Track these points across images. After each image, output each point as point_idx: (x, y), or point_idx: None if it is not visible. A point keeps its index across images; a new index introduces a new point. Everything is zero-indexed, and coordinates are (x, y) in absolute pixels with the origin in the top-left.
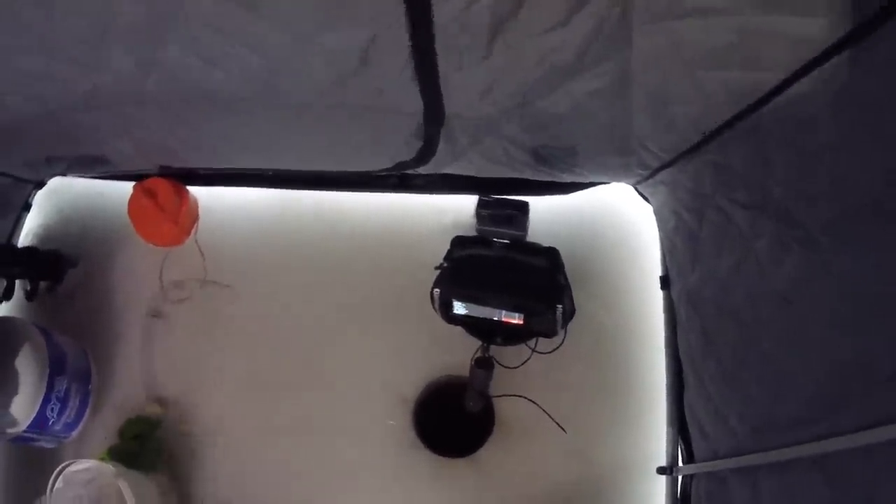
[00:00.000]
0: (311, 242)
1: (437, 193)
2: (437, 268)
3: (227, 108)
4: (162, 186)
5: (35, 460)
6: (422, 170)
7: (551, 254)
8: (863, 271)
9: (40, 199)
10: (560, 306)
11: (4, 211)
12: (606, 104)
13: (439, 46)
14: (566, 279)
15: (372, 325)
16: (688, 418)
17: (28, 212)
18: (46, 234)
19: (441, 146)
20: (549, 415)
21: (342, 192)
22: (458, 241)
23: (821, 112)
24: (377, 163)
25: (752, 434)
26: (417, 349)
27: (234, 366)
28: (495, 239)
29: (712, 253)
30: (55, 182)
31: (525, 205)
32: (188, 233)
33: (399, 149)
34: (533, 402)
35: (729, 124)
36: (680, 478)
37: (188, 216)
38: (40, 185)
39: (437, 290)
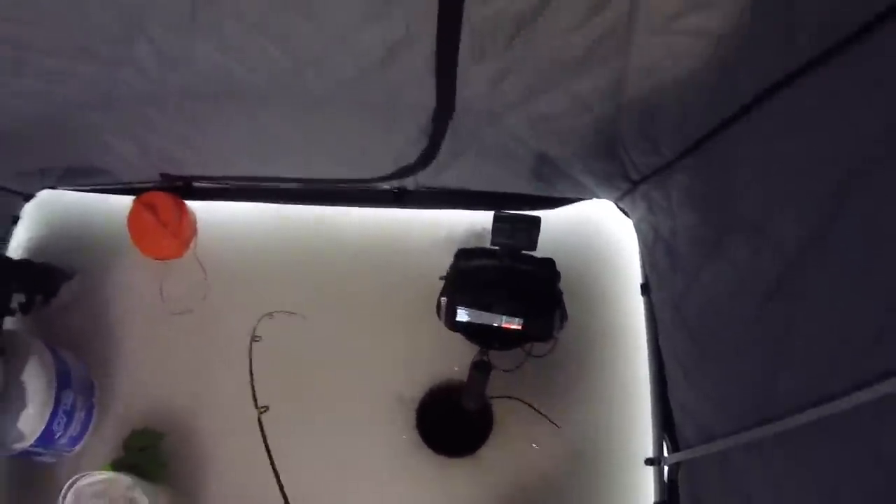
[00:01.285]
0: (309, 256)
1: (431, 208)
2: (441, 278)
3: (243, 105)
4: (162, 200)
5: (34, 476)
6: (420, 177)
7: (548, 264)
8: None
9: (29, 211)
10: (558, 311)
11: None
12: (599, 105)
13: (464, 42)
14: (560, 288)
15: (372, 335)
16: (675, 411)
17: (16, 225)
18: (36, 246)
19: (445, 144)
20: (542, 413)
21: (339, 207)
22: (462, 254)
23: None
24: (380, 167)
25: (754, 410)
26: (418, 356)
27: (237, 376)
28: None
29: (691, 263)
30: (44, 195)
31: (538, 220)
32: (187, 246)
33: (403, 150)
34: (526, 402)
35: (698, 143)
36: (666, 468)
37: (187, 229)
38: (29, 197)
39: (443, 299)
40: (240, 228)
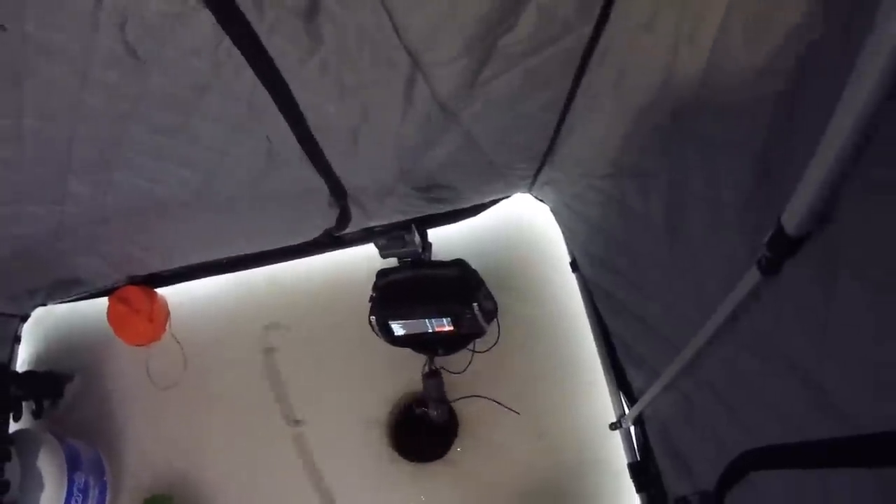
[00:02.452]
0: (269, 310)
1: (365, 244)
2: (369, 300)
3: (174, 212)
4: (133, 293)
5: None
6: (347, 231)
7: (458, 264)
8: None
9: (27, 329)
10: (476, 304)
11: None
12: (464, 155)
13: (321, 144)
14: (479, 281)
15: (337, 368)
16: (627, 370)
17: (19, 344)
18: (37, 358)
19: (353, 212)
20: (500, 403)
21: (288, 263)
22: (381, 273)
23: None
24: (308, 233)
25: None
26: (381, 378)
27: (226, 433)
28: (406, 260)
29: (602, 222)
30: (37, 312)
31: (409, 224)
32: (163, 328)
33: (321, 219)
34: (484, 396)
35: (557, 128)
36: (632, 428)
37: (160, 313)
38: (25, 318)
39: (373, 318)
40: (206, 302)
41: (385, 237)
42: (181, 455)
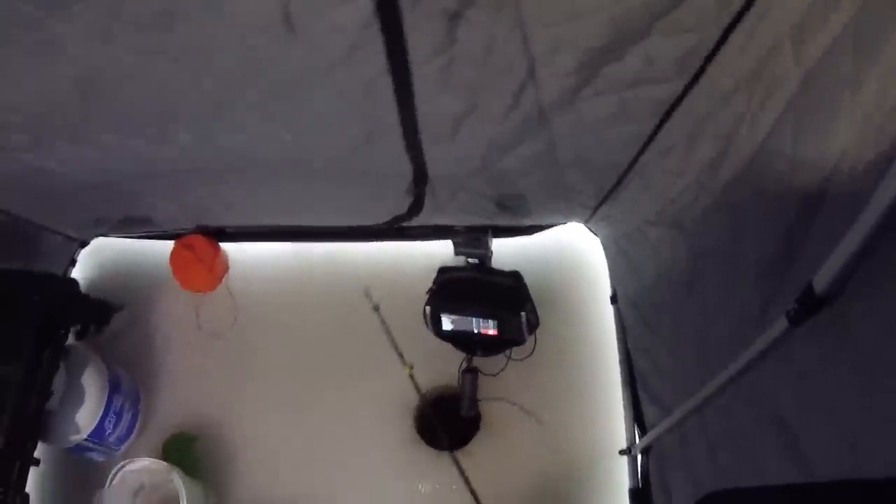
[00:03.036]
0: (323, 285)
1: (426, 240)
2: (427, 292)
3: (265, 174)
4: (198, 241)
5: (86, 470)
6: (413, 222)
7: (514, 274)
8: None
9: (83, 257)
10: (523, 313)
11: (55, 264)
12: (542, 163)
13: (422, 129)
14: (528, 295)
15: (378, 350)
16: (644, 403)
17: (73, 267)
18: (89, 286)
19: (427, 202)
20: (526, 411)
21: (349, 243)
22: (442, 270)
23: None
24: (377, 216)
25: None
26: (416, 366)
27: (262, 390)
28: (469, 261)
29: (642, 265)
30: (97, 242)
31: (486, 228)
32: (220, 280)
33: (394, 205)
34: (512, 402)
35: (628, 169)
36: (639, 456)
37: (220, 266)
38: (84, 244)
39: (427, 308)
40: (266, 264)
41: (464, 236)
42: (214, 402)
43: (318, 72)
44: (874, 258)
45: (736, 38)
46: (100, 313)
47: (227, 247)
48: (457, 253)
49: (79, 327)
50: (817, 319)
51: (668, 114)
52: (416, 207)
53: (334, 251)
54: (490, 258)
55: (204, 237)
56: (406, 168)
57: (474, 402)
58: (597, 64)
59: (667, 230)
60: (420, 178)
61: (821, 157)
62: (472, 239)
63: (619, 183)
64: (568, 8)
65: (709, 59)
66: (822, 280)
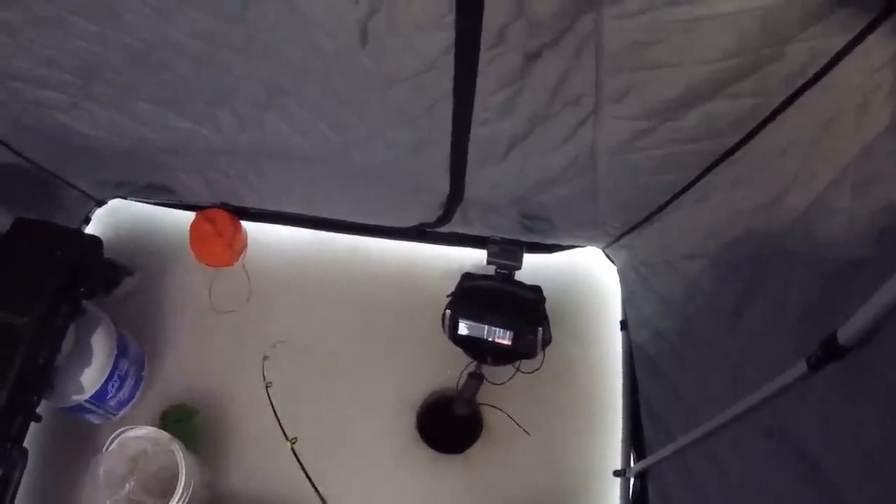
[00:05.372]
0: (340, 276)
1: (447, 245)
2: (448, 296)
3: (300, 164)
4: (220, 216)
5: (82, 433)
6: (439, 229)
7: (537, 289)
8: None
9: (99, 216)
10: (541, 329)
11: (70, 219)
12: (579, 201)
13: (470, 153)
14: (545, 311)
15: (387, 347)
16: (647, 428)
17: (87, 224)
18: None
19: (456, 216)
20: (512, 419)
21: (370, 238)
22: (466, 276)
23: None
24: (405, 220)
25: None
26: (423, 367)
27: (267, 373)
28: (497, 271)
29: (667, 294)
30: (114, 202)
31: (522, 243)
32: (237, 257)
33: (424, 214)
34: (500, 409)
35: (661, 208)
36: (632, 479)
37: (239, 243)
38: (101, 203)
39: (447, 312)
40: (284, 248)
41: (499, 247)
42: (217, 377)
43: (382, 84)
44: None
45: (798, 106)
46: (111, 275)
47: (248, 225)
48: (489, 262)
49: (87, 287)
50: (838, 367)
51: (714, 165)
52: (444, 218)
53: (356, 244)
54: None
55: (226, 212)
56: (444, 187)
57: (470, 403)
58: (660, 117)
59: (711, 266)
60: (456, 197)
61: (879, 215)
62: (509, 252)
63: (648, 219)
64: (650, 59)
65: (766, 121)
66: (847, 331)
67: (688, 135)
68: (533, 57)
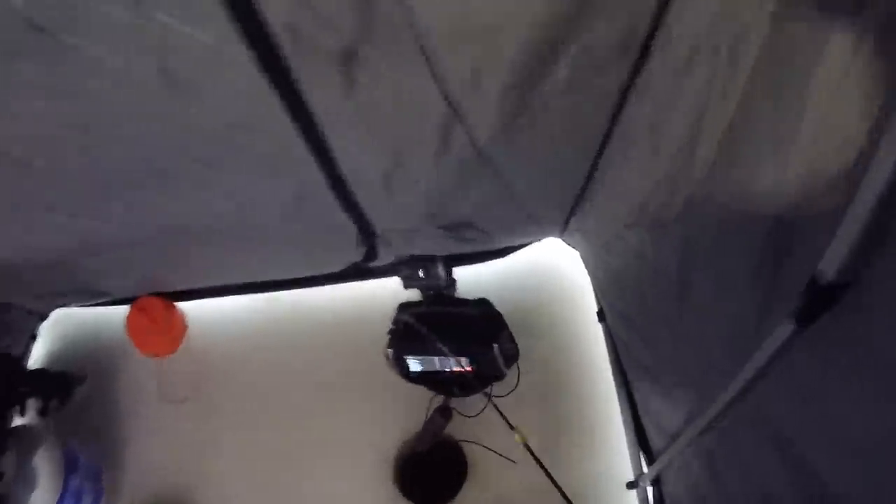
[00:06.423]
0: (290, 335)
1: (391, 276)
2: (388, 332)
3: (206, 239)
4: (152, 304)
5: None
6: (375, 263)
7: (482, 303)
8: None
9: (45, 328)
10: (496, 345)
11: (17, 338)
12: (495, 200)
13: (353, 189)
14: (502, 323)
15: (350, 399)
16: (647, 427)
17: (34, 341)
18: (53, 359)
19: (381, 250)
20: (495, 451)
21: (314, 288)
22: (402, 306)
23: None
24: (335, 265)
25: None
26: (393, 413)
27: (232, 454)
28: (425, 293)
29: (625, 273)
30: (58, 313)
31: (433, 257)
32: (179, 341)
33: (348, 255)
34: (479, 443)
35: (587, 180)
36: (649, 488)
37: (177, 327)
38: (44, 316)
39: (389, 350)
40: (227, 320)
41: (409, 267)
42: (182, 472)
43: (223, 133)
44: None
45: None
46: (61, 387)
47: (186, 305)
48: (407, 287)
49: (40, 403)
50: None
51: (620, 104)
52: (370, 255)
53: (299, 298)
54: (450, 287)
55: (159, 299)
56: (349, 225)
57: (433, 441)
58: (526, 82)
59: (647, 231)
60: (368, 232)
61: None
62: (418, 270)
63: (583, 192)
64: (477, 25)
65: (650, 36)
66: (828, 267)
67: (573, 84)
68: (348, 58)
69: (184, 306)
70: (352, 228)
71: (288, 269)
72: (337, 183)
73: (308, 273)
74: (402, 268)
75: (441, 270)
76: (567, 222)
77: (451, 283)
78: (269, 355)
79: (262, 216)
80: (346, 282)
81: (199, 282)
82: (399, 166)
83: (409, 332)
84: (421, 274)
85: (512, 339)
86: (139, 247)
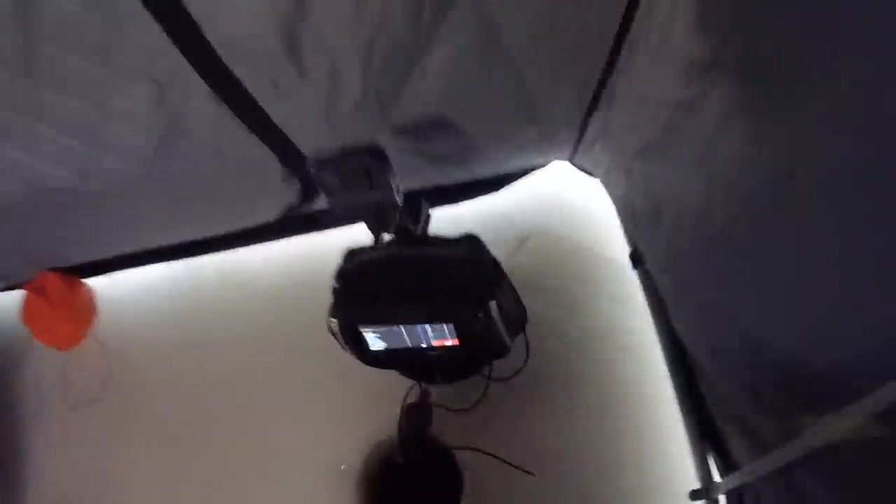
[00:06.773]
0: (222, 311)
1: (350, 224)
2: (332, 293)
3: (101, 203)
4: (52, 282)
5: None
6: (318, 206)
7: (468, 241)
8: None
9: None
10: (493, 303)
11: None
12: (480, 62)
13: (244, 79)
14: (497, 273)
15: (303, 390)
16: (717, 415)
17: None
18: None
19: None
20: (509, 463)
21: (248, 248)
22: (350, 254)
23: None
24: (267, 212)
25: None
26: (356, 409)
27: (154, 461)
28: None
29: (687, 190)
30: None
31: (380, 150)
32: (86, 326)
33: (281, 194)
34: (482, 451)
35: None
36: (723, 499)
37: (84, 310)
38: None
39: (333, 321)
40: (142, 298)
41: (335, 168)
42: (91, 490)
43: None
44: None
45: None
46: None
47: (94, 281)
48: (330, 205)
49: None
50: None
51: None
52: (308, 190)
53: (224, 263)
54: (421, 223)
55: (58, 275)
56: (262, 152)
57: (417, 443)
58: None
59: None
60: (291, 158)
61: None
62: (355, 174)
63: (610, 67)
64: None
65: None
66: None
67: None
68: None
69: (91, 283)
70: (268, 155)
71: (211, 225)
72: (208, 67)
73: (237, 226)
74: (323, 173)
75: (391, 177)
76: (584, 129)
77: (424, 218)
78: (196, 338)
79: (128, 158)
80: (288, 236)
81: (107, 251)
82: (303, 20)
83: (359, 290)
84: (353, 180)
85: (515, 297)
86: (10, 217)
